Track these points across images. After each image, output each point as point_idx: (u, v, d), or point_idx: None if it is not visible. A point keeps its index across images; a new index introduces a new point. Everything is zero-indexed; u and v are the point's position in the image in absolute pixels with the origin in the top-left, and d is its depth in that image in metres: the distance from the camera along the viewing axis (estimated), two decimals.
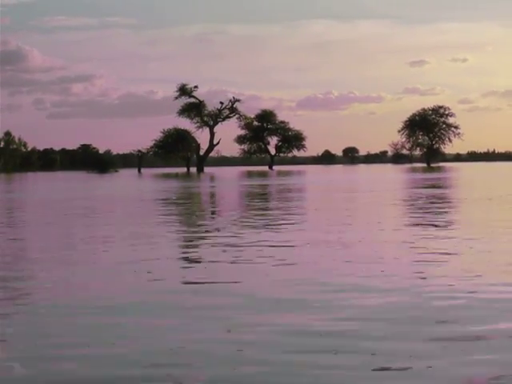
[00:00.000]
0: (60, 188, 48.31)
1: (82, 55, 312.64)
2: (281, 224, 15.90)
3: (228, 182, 56.57)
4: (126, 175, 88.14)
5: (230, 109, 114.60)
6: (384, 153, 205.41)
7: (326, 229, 14.84)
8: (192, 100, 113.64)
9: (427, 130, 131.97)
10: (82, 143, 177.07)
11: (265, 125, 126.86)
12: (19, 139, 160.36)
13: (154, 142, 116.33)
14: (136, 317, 6.64)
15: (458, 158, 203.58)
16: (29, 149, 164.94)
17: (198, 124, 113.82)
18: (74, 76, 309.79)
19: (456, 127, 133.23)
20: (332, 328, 6.03)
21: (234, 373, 4.89)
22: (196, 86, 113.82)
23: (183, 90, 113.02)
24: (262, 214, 19.29)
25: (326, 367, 4.95)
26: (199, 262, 10.24)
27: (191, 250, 11.73)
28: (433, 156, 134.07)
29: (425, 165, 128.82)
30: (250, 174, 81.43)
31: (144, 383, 4.72)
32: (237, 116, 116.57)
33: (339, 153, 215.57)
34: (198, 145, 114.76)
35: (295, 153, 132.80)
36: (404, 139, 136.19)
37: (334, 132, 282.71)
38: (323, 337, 5.75)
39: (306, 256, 10.55)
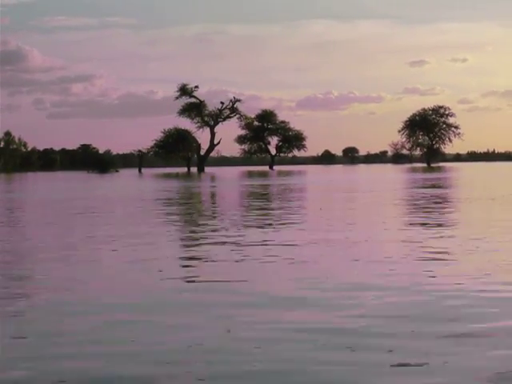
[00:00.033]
0: (61, 188, 48.35)
1: (81, 55, 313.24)
2: (285, 223, 15.98)
3: (229, 181, 56.63)
4: (127, 175, 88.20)
5: (231, 109, 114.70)
6: (384, 153, 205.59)
7: (331, 228, 14.91)
8: (192, 100, 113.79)
9: (427, 130, 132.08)
10: (82, 143, 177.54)
11: (265, 125, 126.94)
12: (19, 139, 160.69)
13: (154, 141, 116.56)
14: (153, 315, 6.72)
15: (457, 158, 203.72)
16: (29, 149, 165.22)
17: (199, 124, 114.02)
18: (73, 76, 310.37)
19: (456, 127, 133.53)
20: (346, 325, 6.11)
21: (253, 369, 4.95)
22: (197, 86, 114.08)
23: (184, 90, 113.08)
24: (266, 214, 19.36)
25: (344, 364, 5.02)
26: (209, 261, 10.30)
27: (199, 249, 11.79)
28: (433, 156, 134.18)
29: (425, 165, 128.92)
30: (250, 174, 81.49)
31: (166, 380, 4.79)
32: (237, 116, 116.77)
33: (339, 153, 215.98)
34: (199, 145, 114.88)
35: (295, 153, 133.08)
36: (404, 139, 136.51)
37: (333, 132, 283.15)
38: (338, 334, 5.82)
39: (314, 255, 10.62)
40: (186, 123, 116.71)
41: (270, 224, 15.94)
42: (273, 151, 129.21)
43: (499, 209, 20.16)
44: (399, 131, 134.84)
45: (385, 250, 11.08)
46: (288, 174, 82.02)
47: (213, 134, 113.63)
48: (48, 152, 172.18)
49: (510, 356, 5.12)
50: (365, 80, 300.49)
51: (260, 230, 14.70)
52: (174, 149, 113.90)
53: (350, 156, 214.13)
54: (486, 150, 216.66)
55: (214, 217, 19.18)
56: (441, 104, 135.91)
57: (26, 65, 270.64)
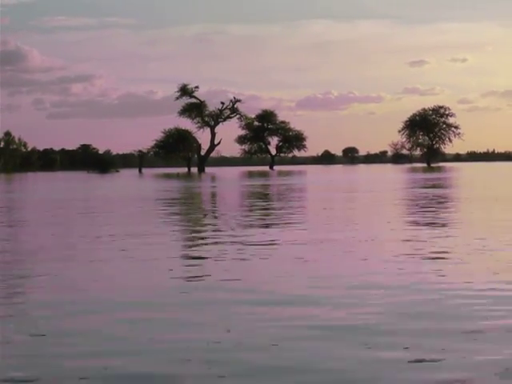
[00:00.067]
0: (61, 188, 48.39)
1: (81, 55, 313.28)
2: (290, 223, 16.04)
3: (230, 182, 56.69)
4: (127, 175, 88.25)
5: (231, 109, 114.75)
6: (384, 153, 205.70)
7: (336, 228, 14.99)
8: (193, 100, 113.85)
9: (427, 130, 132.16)
10: (81, 143, 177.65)
11: (265, 125, 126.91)
12: (19, 139, 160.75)
13: (154, 141, 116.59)
14: (168, 313, 6.79)
15: (457, 158, 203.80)
16: (29, 149, 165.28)
17: (199, 124, 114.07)
18: (73, 76, 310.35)
19: (456, 127, 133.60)
20: (359, 323, 6.18)
21: (271, 364, 5.03)
22: (197, 87, 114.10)
23: (184, 91, 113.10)
24: (269, 214, 19.44)
25: (362, 360, 5.09)
26: (218, 260, 10.36)
27: (206, 248, 11.84)
28: (433, 156, 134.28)
29: (425, 165, 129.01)
30: (251, 175, 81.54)
31: (187, 378, 4.86)
32: (237, 116, 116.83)
33: (339, 153, 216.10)
34: (199, 145, 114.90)
35: (295, 153, 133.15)
36: (404, 139, 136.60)
37: (333, 132, 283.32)
38: (351, 332, 5.90)
39: (323, 254, 10.70)
40: (186, 123, 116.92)
41: (274, 224, 16.00)
42: (273, 151, 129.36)
43: (504, 209, 20.21)
44: (399, 131, 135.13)
45: (392, 249, 11.15)
46: (288, 174, 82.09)
47: (213, 135, 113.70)
48: (48, 152, 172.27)
49: None
50: (365, 80, 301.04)
51: (266, 229, 14.76)
52: (175, 149, 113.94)
53: (350, 156, 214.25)
54: (485, 150, 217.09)
55: (216, 217, 19.25)
56: (441, 104, 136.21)
57: (26, 65, 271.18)
